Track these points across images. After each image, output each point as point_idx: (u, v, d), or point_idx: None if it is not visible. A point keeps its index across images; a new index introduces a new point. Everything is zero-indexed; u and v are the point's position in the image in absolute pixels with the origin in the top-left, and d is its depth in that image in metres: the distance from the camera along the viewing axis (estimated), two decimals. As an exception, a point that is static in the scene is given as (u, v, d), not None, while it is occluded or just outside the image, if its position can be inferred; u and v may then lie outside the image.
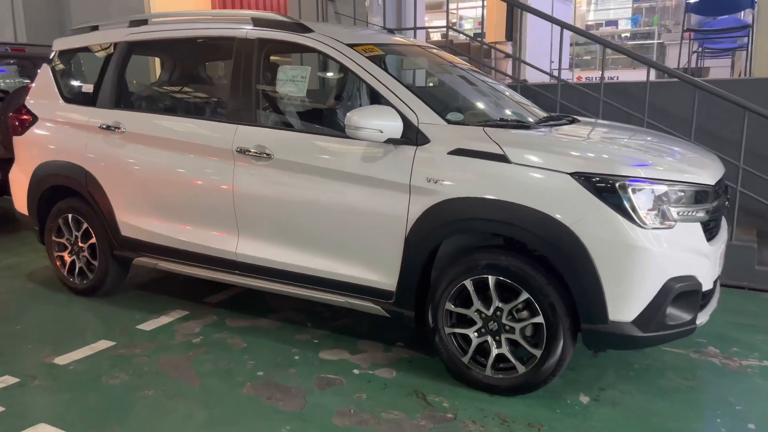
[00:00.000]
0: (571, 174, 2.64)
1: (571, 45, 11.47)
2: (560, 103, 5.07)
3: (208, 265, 3.70)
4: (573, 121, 3.51)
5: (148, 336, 3.67)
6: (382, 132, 2.93)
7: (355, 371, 3.20)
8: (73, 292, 4.36)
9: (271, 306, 4.11)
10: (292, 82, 3.39)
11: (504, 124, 3.19)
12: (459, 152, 2.86)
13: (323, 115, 4.09)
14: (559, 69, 5.12)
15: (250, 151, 3.38)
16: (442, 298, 2.96)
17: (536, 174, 2.70)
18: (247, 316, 3.94)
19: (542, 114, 3.68)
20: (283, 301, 4.13)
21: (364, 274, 3.17)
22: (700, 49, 8.83)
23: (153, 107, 4.37)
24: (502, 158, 2.77)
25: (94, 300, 4.25)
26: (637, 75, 12.20)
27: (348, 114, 2.97)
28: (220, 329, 3.76)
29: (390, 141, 2.97)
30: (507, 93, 3.88)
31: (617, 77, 11.82)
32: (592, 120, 3.92)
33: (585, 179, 2.61)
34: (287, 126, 3.62)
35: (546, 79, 5.76)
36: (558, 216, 2.63)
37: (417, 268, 3.01)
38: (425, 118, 2.99)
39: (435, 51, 4.15)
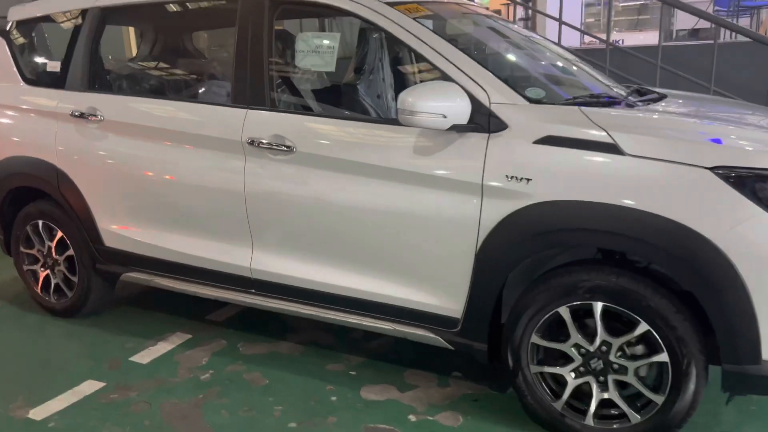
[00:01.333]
0: (712, 169, 1.98)
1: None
2: (608, 71, 4.40)
3: (216, 283, 3.02)
4: (662, 96, 2.83)
5: (145, 372, 2.99)
6: (445, 117, 2.24)
7: (411, 417, 2.56)
8: (50, 313, 3.65)
9: (288, 324, 3.43)
10: (317, 54, 2.67)
11: (598, 101, 2.51)
12: (550, 141, 2.19)
13: (360, 96, 3.38)
14: (609, 31, 4.42)
15: (264, 143, 2.68)
16: (527, 329, 2.32)
17: (661, 170, 2.04)
18: (262, 339, 3.27)
19: (615, 85, 3.00)
20: (301, 317, 3.47)
21: (420, 297, 2.51)
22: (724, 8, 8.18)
23: (136, 89, 3.61)
24: (612, 148, 2.10)
25: (75, 322, 3.54)
26: (645, 38, 11.49)
27: (401, 95, 2.27)
28: (232, 358, 3.08)
29: (454, 128, 2.28)
30: (575, 61, 3.19)
31: (622, 41, 11.13)
32: (683, 93, 3.25)
33: (733, 176, 1.96)
34: (311, 110, 2.91)
35: (574, 42, 5.09)
36: (695, 226, 1.98)
37: (492, 291, 2.35)
38: (499, 96, 2.30)
39: (480, 10, 3.43)
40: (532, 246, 2.23)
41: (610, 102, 2.51)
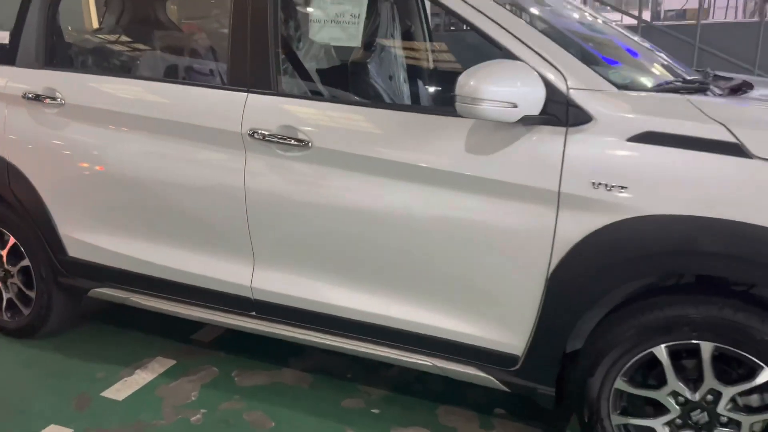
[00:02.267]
0: None
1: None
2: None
3: (208, 303, 2.49)
4: (747, 83, 2.36)
5: (121, 411, 2.46)
6: (516, 106, 1.75)
7: (457, 473, 2.10)
8: (2, 333, 3.07)
9: (289, 345, 2.92)
10: (337, 25, 2.14)
11: (696, 88, 2.03)
12: (650, 138, 1.72)
13: (371, 78, 2.85)
14: (640, 7, 3.96)
15: (271, 136, 2.15)
16: (610, 372, 1.87)
17: (803, 179, 1.59)
18: (260, 365, 2.76)
19: (684, 69, 2.53)
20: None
21: (470, 328, 2.04)
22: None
23: (104, 66, 3.03)
24: (736, 149, 1.64)
25: (34, 345, 2.97)
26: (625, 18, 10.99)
27: (460, 78, 1.77)
28: (227, 392, 2.57)
29: (523, 120, 1.79)
30: (632, 38, 2.71)
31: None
32: (761, 79, 2.80)
33: None
34: (331, 96, 2.39)
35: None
36: None
37: (566, 326, 1.89)
38: (579, 80, 1.82)
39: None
40: (624, 273, 1.77)
41: (705, 89, 2.04)
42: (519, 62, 1.80)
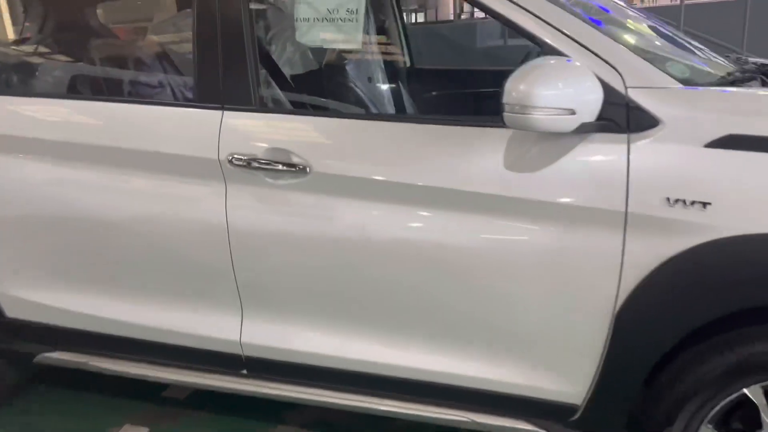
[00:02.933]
0: None
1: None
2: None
3: (189, 364, 2.08)
4: None
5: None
6: (574, 113, 1.43)
7: None
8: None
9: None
10: (331, 24, 1.77)
11: (752, 76, 1.76)
12: (733, 143, 1.43)
13: (350, 81, 2.48)
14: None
15: (257, 161, 1.77)
16: (693, 419, 1.58)
17: None
18: (249, 425, 2.36)
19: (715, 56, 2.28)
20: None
21: (517, 377, 1.72)
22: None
23: (28, 85, 2.54)
24: (842, 153, 1.38)
25: (-30, 423, 2.48)
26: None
27: (508, 83, 1.44)
28: (216, 465, 2.17)
29: (577, 128, 1.48)
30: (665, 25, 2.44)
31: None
32: None
33: None
34: (333, 109, 2.03)
35: None
36: None
37: (639, 369, 1.59)
38: (638, 77, 1.51)
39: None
40: (710, 306, 1.48)
41: (755, 78, 1.78)
42: (568, 61, 1.49)
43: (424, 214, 1.67)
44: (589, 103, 1.45)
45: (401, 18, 3.12)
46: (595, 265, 1.54)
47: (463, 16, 5.23)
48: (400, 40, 3.10)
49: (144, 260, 2.00)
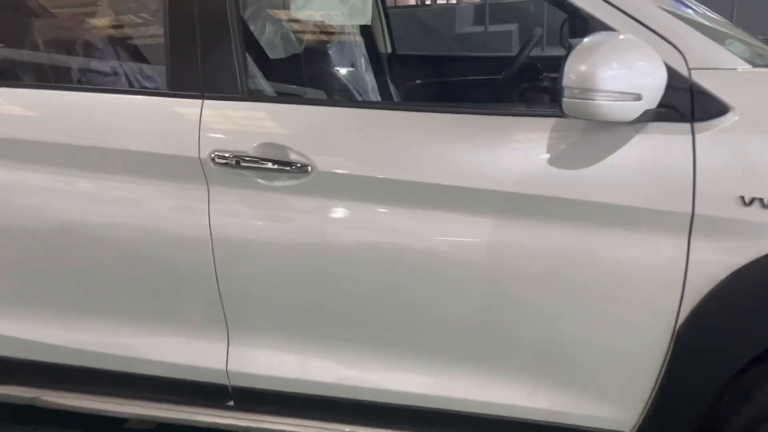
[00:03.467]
0: None
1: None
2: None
3: (165, 396, 1.78)
4: None
5: None
6: (640, 98, 1.21)
7: None
8: None
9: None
10: (338, 0, 1.49)
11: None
12: (821, 135, 1.25)
13: (332, 67, 2.21)
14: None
15: (248, 160, 1.49)
16: (764, 447, 1.40)
17: None
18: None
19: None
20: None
21: (557, 403, 1.50)
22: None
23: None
24: None
25: None
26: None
27: (569, 64, 1.21)
28: None
29: (640, 117, 1.26)
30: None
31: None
32: None
33: None
34: (340, 98, 1.77)
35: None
36: None
37: (703, 393, 1.39)
38: (702, 57, 1.30)
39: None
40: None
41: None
42: (631, 37, 1.26)
43: (455, 220, 1.42)
44: (654, 87, 1.23)
45: (383, 4, 2.85)
46: (654, 276, 1.33)
47: (439, 1, 5.00)
48: (382, 24, 2.84)
49: (108, 278, 1.68)
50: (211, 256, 1.57)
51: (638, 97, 1.20)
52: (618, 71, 1.18)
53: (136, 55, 1.98)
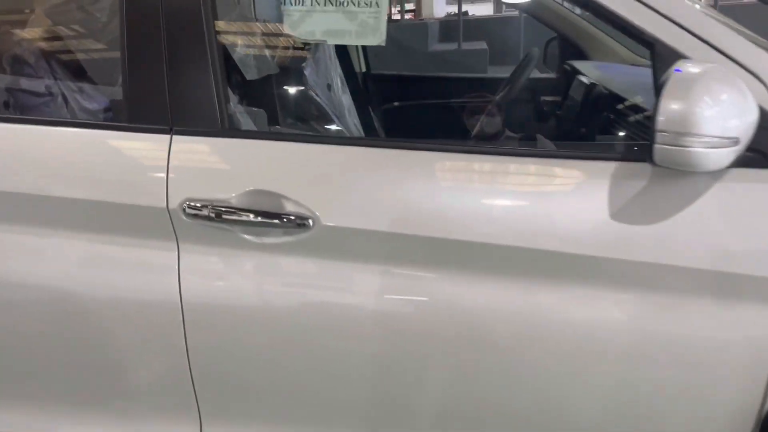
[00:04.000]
0: None
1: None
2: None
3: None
4: None
5: None
6: (738, 142, 0.98)
7: None
8: None
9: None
10: (338, 11, 1.21)
11: None
12: None
13: (332, 86, 1.92)
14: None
15: (230, 211, 1.18)
16: None
17: None
18: None
19: None
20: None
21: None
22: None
23: None
24: None
25: None
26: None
27: (661, 104, 0.96)
28: None
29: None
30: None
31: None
32: None
33: None
34: (347, 135, 1.51)
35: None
36: None
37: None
38: (787, 88, 1.10)
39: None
40: None
41: None
42: (722, 68, 1.03)
43: (499, 286, 1.15)
44: (747, 128, 1.01)
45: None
46: (740, 352, 1.11)
47: (407, 16, 4.76)
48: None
49: (50, 356, 1.34)
50: (181, 330, 1.25)
51: (736, 142, 0.97)
52: (718, 111, 0.94)
53: (83, 76, 1.63)
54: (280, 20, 1.44)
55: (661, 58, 1.10)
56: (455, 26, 4.01)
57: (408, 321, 1.19)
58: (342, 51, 2.39)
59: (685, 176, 1.07)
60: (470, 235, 1.14)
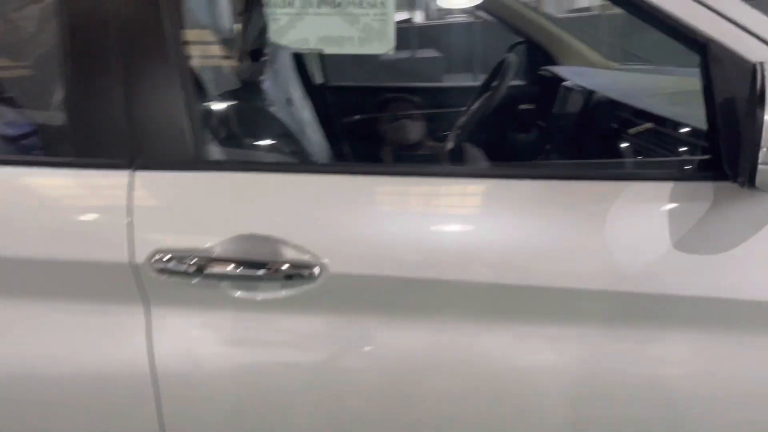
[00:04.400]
0: None
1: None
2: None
3: None
4: None
5: None
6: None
7: None
8: None
9: None
10: (336, 12, 0.99)
11: None
12: None
13: (292, 101, 1.69)
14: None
15: (213, 264, 0.94)
16: None
17: None
18: None
19: None
20: None
21: None
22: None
23: None
24: None
25: None
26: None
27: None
28: None
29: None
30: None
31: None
32: None
33: None
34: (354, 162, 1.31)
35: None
36: None
37: None
38: None
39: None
40: None
41: None
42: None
43: (558, 336, 0.96)
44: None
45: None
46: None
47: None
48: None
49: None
50: (153, 408, 1.00)
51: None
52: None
53: (7, 97, 1.34)
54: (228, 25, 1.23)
55: (716, 60, 0.95)
56: (404, 34, 3.85)
57: (451, 387, 0.98)
58: (298, 60, 2.16)
59: (756, 194, 0.92)
60: (533, 278, 0.94)
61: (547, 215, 0.95)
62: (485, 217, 0.98)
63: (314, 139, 1.98)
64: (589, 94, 1.67)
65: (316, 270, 0.94)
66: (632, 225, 0.95)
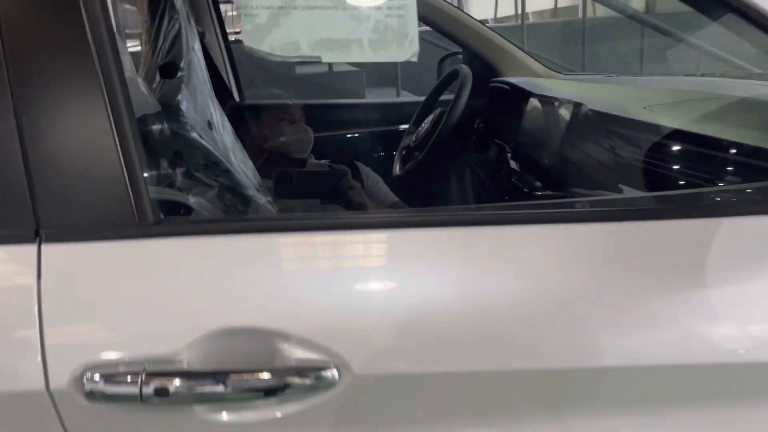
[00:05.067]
0: None
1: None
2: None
3: None
4: None
5: None
6: None
7: None
8: None
9: None
10: (347, 16, 0.70)
11: None
12: None
13: (213, 124, 1.36)
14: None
15: (180, 376, 0.62)
16: None
17: None
18: None
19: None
20: None
21: None
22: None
23: None
24: None
25: None
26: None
27: None
28: None
29: None
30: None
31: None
32: None
33: None
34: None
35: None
36: None
37: None
38: None
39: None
40: None
41: None
42: None
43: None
44: None
45: (224, 33, 2.01)
46: None
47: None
48: (225, 65, 2.00)
49: None
50: None
51: None
52: None
53: None
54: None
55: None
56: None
57: None
58: (213, 75, 1.82)
59: None
60: (594, 360, 0.70)
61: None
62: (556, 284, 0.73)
63: (239, 167, 1.65)
64: (575, 106, 1.47)
65: (335, 372, 0.64)
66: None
